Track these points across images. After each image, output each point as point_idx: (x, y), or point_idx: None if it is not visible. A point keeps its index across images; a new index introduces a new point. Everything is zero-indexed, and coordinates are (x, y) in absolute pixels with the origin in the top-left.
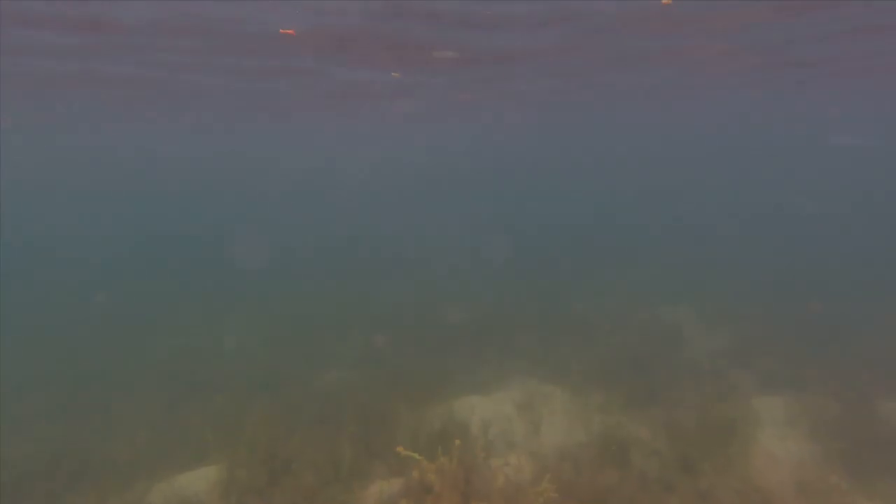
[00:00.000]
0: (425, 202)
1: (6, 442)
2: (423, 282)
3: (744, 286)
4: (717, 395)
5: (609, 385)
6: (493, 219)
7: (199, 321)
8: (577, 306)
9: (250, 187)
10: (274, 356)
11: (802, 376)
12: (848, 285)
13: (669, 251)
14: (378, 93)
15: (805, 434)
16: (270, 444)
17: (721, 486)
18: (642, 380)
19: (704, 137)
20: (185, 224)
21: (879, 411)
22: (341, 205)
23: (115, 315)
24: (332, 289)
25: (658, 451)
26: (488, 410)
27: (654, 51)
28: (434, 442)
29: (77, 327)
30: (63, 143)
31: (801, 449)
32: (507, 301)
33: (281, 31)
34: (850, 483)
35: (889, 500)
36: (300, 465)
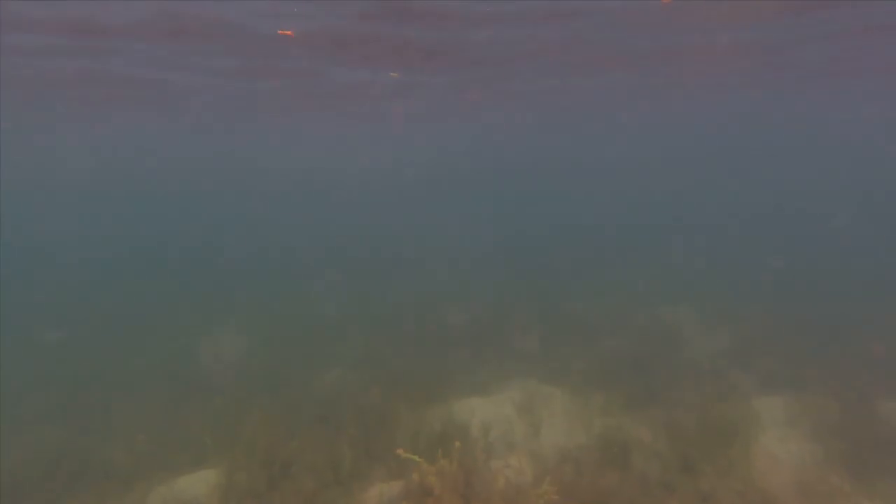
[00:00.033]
0: (425, 202)
1: (5, 444)
2: (423, 282)
3: (744, 286)
4: (717, 395)
5: (609, 386)
6: (492, 219)
7: (199, 322)
8: (576, 306)
9: (250, 188)
10: (273, 357)
11: (803, 376)
12: (848, 285)
13: (669, 251)
14: (377, 93)
15: (806, 434)
16: (270, 446)
17: (722, 488)
18: (643, 380)
19: (704, 137)
20: (184, 224)
21: (880, 411)
22: (340, 205)
23: (114, 316)
24: (331, 289)
25: (659, 453)
26: (488, 412)
27: (653, 49)
28: (434, 444)
29: (76, 329)
30: (62, 144)
31: (802, 450)
32: (506, 301)
33: (279, 31)
34: (851, 484)
35: (890, 500)
36: (300, 467)
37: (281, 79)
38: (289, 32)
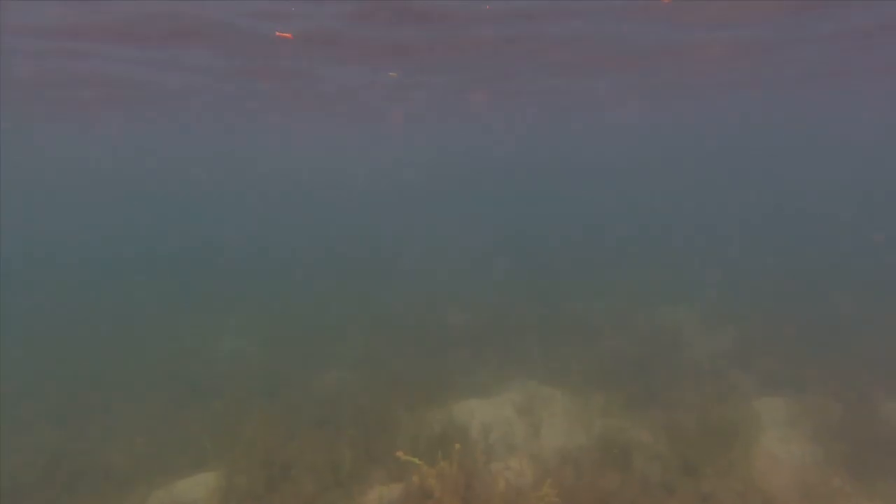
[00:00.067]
0: (424, 202)
1: (4, 446)
2: (423, 282)
3: (744, 286)
4: (717, 396)
5: (610, 387)
6: (492, 219)
7: (198, 323)
8: (576, 307)
9: (250, 188)
10: (273, 358)
11: (803, 377)
12: (849, 285)
13: (670, 251)
14: (377, 94)
15: (807, 435)
16: (269, 448)
17: (723, 489)
18: (643, 381)
19: (704, 137)
20: (183, 225)
21: (881, 412)
22: (340, 206)
23: (113, 317)
24: (331, 290)
25: (659, 454)
26: (488, 413)
27: (654, 49)
28: (434, 446)
29: (75, 329)
30: (62, 145)
31: (804, 451)
32: (506, 302)
33: (278, 34)
34: (852, 485)
35: (891, 502)
36: (299, 470)
37: (281, 80)
38: (287, 35)
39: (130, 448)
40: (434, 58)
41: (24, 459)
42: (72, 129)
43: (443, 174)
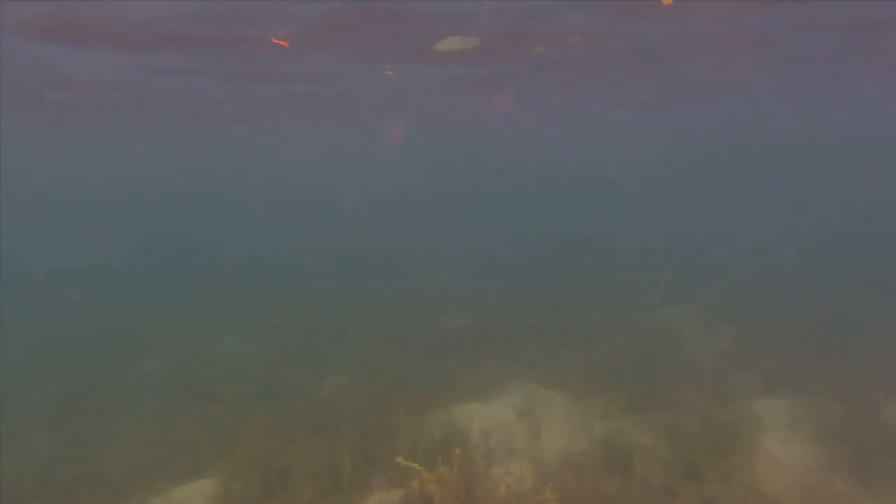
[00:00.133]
0: (424, 206)
1: (1, 453)
2: (423, 286)
3: (744, 287)
4: (719, 398)
5: (610, 389)
6: (491, 221)
7: (197, 329)
8: (576, 309)
9: (249, 192)
10: (272, 363)
11: (804, 378)
12: (849, 285)
13: (670, 252)
14: (377, 95)
15: (809, 437)
16: (268, 454)
17: (724, 493)
18: (644, 384)
19: (704, 138)
20: (182, 230)
21: (882, 413)
22: (340, 209)
23: (111, 321)
24: (331, 295)
25: (661, 458)
26: (488, 417)
27: (654, 50)
28: (434, 450)
29: (73, 334)
30: (62, 148)
31: (806, 453)
32: (506, 304)
33: (273, 40)
34: (854, 488)
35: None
36: (298, 476)
37: (281, 81)
38: (284, 44)
39: (128, 454)
40: (434, 58)
41: (22, 466)
42: (71, 132)
43: (442, 176)
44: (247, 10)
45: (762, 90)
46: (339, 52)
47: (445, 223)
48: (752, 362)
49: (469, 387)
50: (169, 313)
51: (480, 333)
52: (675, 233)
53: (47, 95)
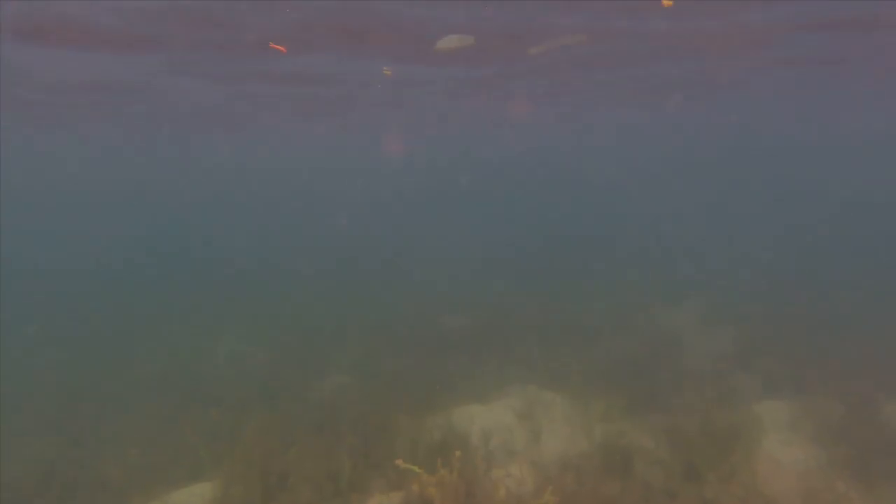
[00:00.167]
0: (423, 207)
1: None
2: (423, 287)
3: (745, 288)
4: (719, 399)
5: (610, 391)
6: (491, 221)
7: (195, 331)
8: (576, 310)
9: (250, 193)
10: (270, 365)
11: (805, 379)
12: (850, 286)
13: (670, 253)
14: (376, 96)
15: (809, 438)
16: (267, 457)
17: (725, 495)
18: (644, 385)
19: (704, 138)
20: (181, 232)
21: (883, 413)
22: (338, 211)
23: (110, 324)
24: (331, 295)
25: (661, 460)
26: (488, 419)
27: (654, 50)
28: (434, 453)
29: (72, 337)
30: (62, 149)
31: (806, 454)
32: (506, 304)
33: (271, 45)
34: (856, 490)
35: None
36: (297, 479)
37: (281, 82)
38: (281, 49)
39: (125, 458)
40: (434, 59)
41: (20, 470)
42: (71, 134)
43: (442, 177)
44: (246, 11)
45: (762, 90)
46: (339, 53)
47: (445, 223)
48: (752, 363)
49: (469, 388)
50: (169, 313)
51: (480, 333)
52: (675, 233)
53: (47, 96)
